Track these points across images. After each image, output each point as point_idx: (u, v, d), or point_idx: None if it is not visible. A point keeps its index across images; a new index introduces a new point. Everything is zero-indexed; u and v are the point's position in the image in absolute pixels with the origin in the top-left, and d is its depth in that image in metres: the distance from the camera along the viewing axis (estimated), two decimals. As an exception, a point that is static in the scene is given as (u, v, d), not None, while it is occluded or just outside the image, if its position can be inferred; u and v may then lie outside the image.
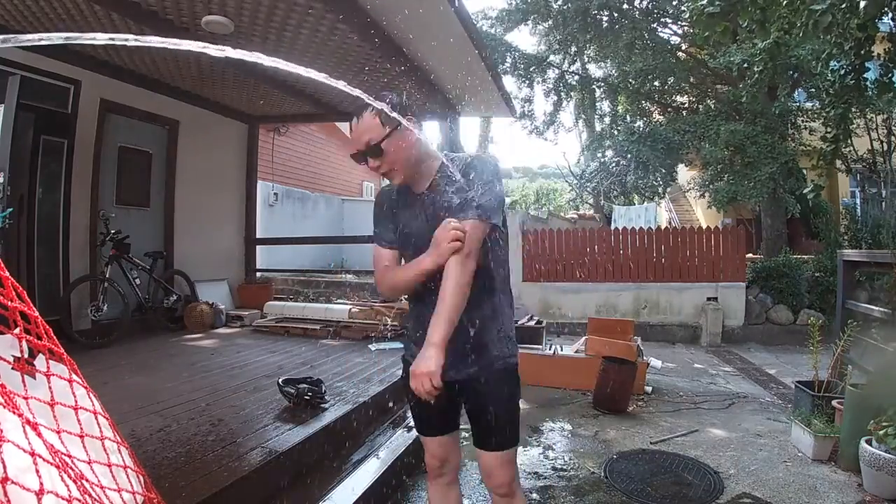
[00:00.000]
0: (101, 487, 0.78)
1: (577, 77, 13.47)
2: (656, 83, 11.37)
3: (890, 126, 9.11)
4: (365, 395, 3.01)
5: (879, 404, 2.64)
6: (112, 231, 4.55)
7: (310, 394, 2.73)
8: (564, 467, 2.97)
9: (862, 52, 4.52)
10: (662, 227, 10.43)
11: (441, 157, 1.50)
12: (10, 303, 0.72)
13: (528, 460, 3.03)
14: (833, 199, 12.13)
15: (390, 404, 3.23)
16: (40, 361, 0.79)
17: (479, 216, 1.40)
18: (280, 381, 2.83)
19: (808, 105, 10.16)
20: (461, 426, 1.71)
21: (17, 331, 0.74)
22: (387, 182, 1.60)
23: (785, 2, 4.19)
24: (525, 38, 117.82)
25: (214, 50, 0.70)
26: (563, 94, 13.12)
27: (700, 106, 11.39)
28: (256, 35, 4.01)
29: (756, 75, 5.40)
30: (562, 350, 5.00)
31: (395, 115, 1.30)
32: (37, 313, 0.77)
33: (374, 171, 1.48)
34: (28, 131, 4.10)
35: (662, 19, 11.66)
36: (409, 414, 3.14)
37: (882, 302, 4.95)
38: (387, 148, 1.42)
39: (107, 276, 4.44)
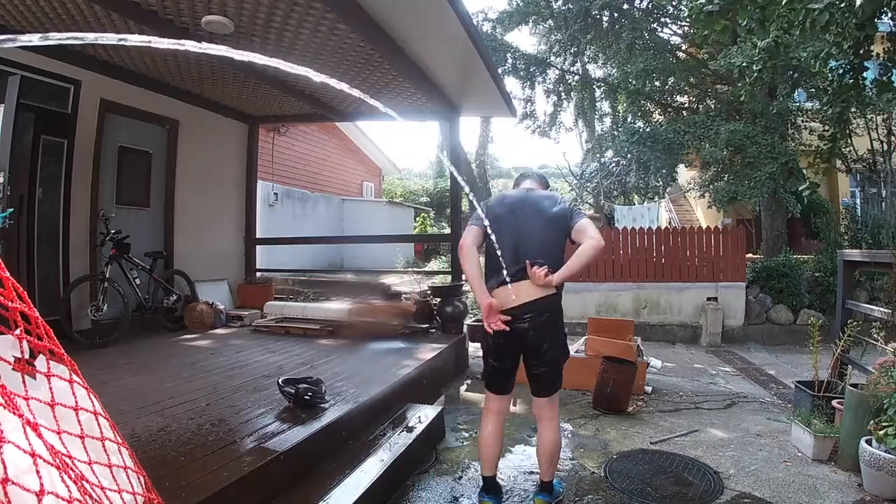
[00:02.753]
0: (102, 488, 0.78)
1: (577, 77, 13.46)
2: (656, 83, 11.36)
3: (890, 126, 9.12)
4: (365, 395, 3.01)
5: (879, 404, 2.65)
6: (112, 231, 4.55)
7: (310, 394, 2.74)
8: (564, 467, 2.97)
9: (861, 51, 4.52)
10: (662, 227, 10.44)
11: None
12: (10, 303, 0.72)
13: (528, 460, 3.03)
14: (833, 199, 12.14)
15: (390, 404, 3.23)
16: (41, 362, 0.79)
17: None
18: (280, 381, 2.83)
19: (808, 105, 10.17)
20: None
21: (17, 331, 0.74)
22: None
23: (784, 1, 4.19)
24: (525, 39, 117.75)
25: (192, 46, 0.70)
26: (563, 94, 13.12)
27: (700, 106, 11.39)
28: (256, 35, 4.01)
29: (755, 74, 5.40)
30: (562, 350, 4.99)
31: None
32: (37, 314, 0.77)
33: None
34: (28, 131, 4.10)
35: (662, 19, 11.66)
36: (409, 414, 3.15)
37: (882, 302, 4.96)
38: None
39: (107, 276, 4.44)
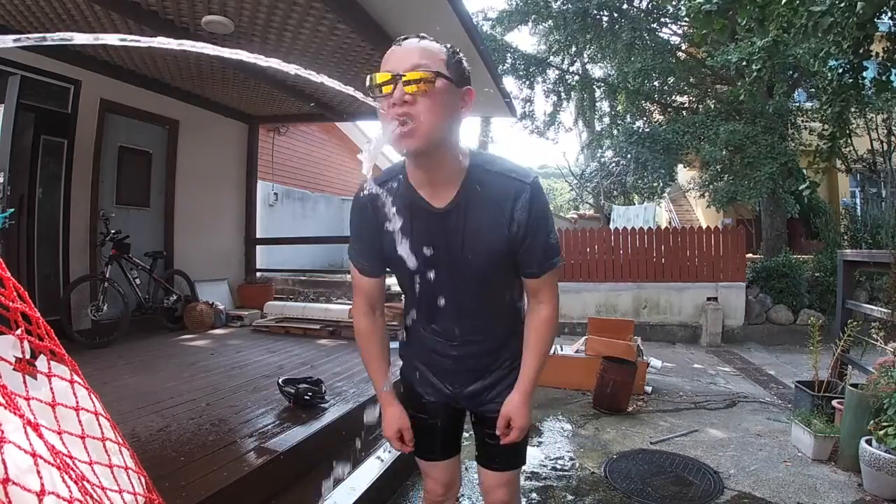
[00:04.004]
0: (103, 488, 0.78)
1: (577, 77, 13.46)
2: (656, 83, 11.37)
3: (890, 126, 9.13)
4: (365, 395, 3.01)
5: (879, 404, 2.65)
6: (112, 231, 4.55)
7: (310, 394, 2.73)
8: (564, 467, 2.97)
9: (860, 50, 4.53)
10: (662, 227, 10.44)
11: (466, 166, 1.17)
12: (11, 304, 0.72)
13: (528, 460, 3.03)
14: (833, 199, 12.14)
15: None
16: (42, 362, 0.79)
17: (555, 264, 1.27)
18: (280, 381, 2.83)
19: (808, 105, 10.16)
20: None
21: (18, 332, 0.74)
22: (371, 187, 1.22)
23: (784, 0, 4.19)
24: (525, 39, 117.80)
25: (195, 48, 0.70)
26: (562, 94, 13.13)
27: (700, 106, 11.39)
28: (256, 35, 4.01)
29: (754, 73, 5.41)
30: (562, 350, 5.00)
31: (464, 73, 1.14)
32: (38, 314, 0.77)
33: (389, 112, 1.03)
34: (28, 131, 4.10)
35: (662, 19, 11.66)
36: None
37: (882, 302, 4.96)
38: (433, 91, 1.04)
39: (107, 275, 4.44)
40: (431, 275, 1.22)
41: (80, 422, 0.80)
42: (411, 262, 1.20)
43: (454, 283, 1.23)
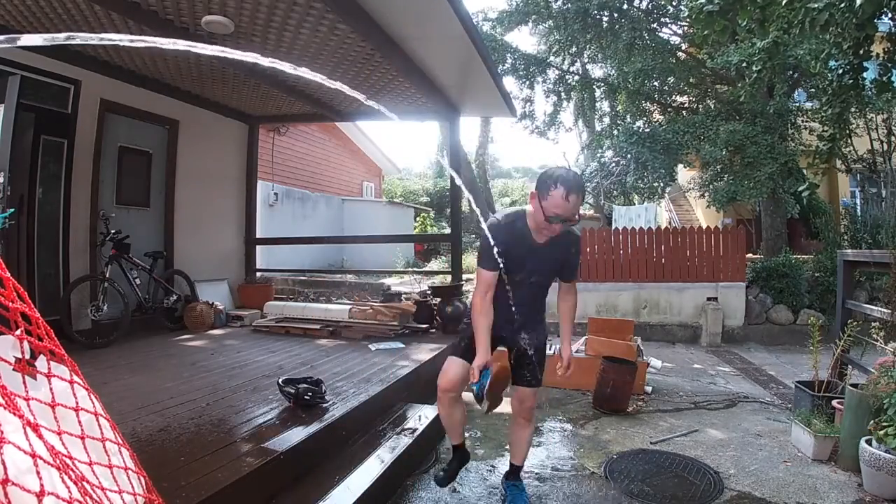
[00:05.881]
0: (102, 489, 0.78)
1: (577, 77, 13.46)
2: (656, 83, 11.36)
3: (890, 126, 9.12)
4: (365, 395, 3.01)
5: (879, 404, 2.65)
6: (112, 231, 4.55)
7: (310, 394, 2.74)
8: (564, 467, 2.97)
9: (860, 51, 4.53)
10: (662, 227, 10.44)
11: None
12: (11, 304, 0.72)
13: (528, 460, 3.03)
14: (833, 199, 12.13)
15: (390, 404, 3.23)
16: (41, 362, 0.79)
17: (577, 276, 2.46)
18: (280, 380, 2.83)
19: (808, 105, 10.16)
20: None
21: (18, 332, 0.74)
22: (500, 217, 2.25)
23: (784, 1, 4.19)
24: (525, 39, 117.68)
25: (201, 49, 0.70)
26: (563, 94, 13.11)
27: (700, 106, 11.38)
28: (256, 35, 4.01)
29: (755, 74, 5.41)
30: (562, 350, 4.99)
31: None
32: (38, 314, 0.77)
33: (551, 227, 2.08)
34: (28, 131, 4.10)
35: (662, 19, 11.66)
36: (409, 414, 3.15)
37: (882, 302, 4.96)
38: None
39: (107, 276, 4.44)
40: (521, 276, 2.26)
41: (79, 422, 0.80)
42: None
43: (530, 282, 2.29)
